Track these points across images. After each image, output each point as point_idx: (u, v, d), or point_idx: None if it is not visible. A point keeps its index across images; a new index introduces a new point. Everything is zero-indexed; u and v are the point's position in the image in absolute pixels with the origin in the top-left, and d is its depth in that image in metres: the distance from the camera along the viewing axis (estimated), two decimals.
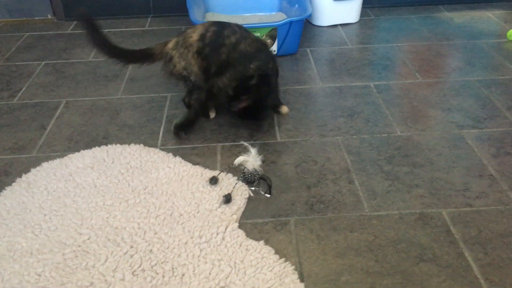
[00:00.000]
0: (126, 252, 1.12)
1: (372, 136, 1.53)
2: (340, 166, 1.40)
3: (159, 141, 1.54)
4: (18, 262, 1.09)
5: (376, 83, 1.83)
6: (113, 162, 1.42)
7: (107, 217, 1.22)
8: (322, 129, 1.57)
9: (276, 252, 1.12)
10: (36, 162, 1.43)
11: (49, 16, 2.46)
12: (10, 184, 1.34)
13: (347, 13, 2.32)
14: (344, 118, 1.63)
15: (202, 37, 1.53)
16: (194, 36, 1.54)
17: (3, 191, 1.32)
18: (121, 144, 1.51)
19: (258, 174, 1.34)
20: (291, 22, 1.96)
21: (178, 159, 1.43)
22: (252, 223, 1.21)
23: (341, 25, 2.33)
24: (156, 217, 1.22)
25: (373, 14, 2.45)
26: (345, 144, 1.50)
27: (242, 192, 1.29)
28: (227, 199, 1.26)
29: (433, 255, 1.11)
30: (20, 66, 2.01)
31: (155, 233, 1.17)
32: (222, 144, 1.52)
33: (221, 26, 1.55)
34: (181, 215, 1.22)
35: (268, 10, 2.42)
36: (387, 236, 1.16)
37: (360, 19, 2.37)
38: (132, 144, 1.50)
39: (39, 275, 1.06)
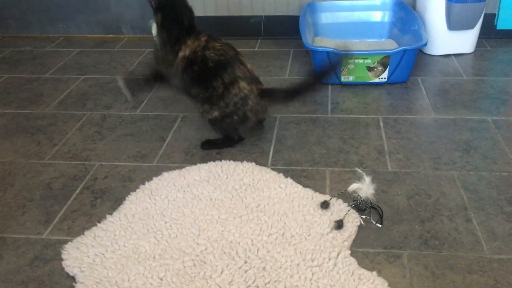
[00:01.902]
0: (241, 266, 1.16)
1: (491, 173, 1.46)
2: (456, 203, 1.35)
3: (269, 161, 1.58)
4: (142, 265, 1.18)
5: (495, 118, 1.75)
6: (227, 178, 1.48)
7: (222, 231, 1.27)
8: (436, 162, 1.53)
9: (390, 285, 1.10)
10: (157, 171, 1.54)
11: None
12: (134, 190, 1.45)
13: (462, 43, 2.24)
14: (459, 152, 1.57)
15: None
16: None
17: (129, 196, 1.42)
18: (233, 160, 1.58)
19: (370, 203, 1.33)
20: (404, 51, 1.94)
21: (289, 180, 1.46)
22: (363, 252, 1.21)
23: (454, 55, 2.26)
24: (268, 235, 1.25)
25: (489, 45, 2.35)
26: (461, 179, 1.44)
27: (353, 219, 1.29)
28: (339, 225, 1.26)
29: None
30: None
31: (268, 251, 1.20)
32: (331, 168, 1.53)
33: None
34: (292, 236, 1.25)
35: (377, 36, 2.42)
36: (510, 282, 1.10)
37: (475, 50, 2.29)
38: (245, 162, 1.56)
39: (161, 279, 1.13)
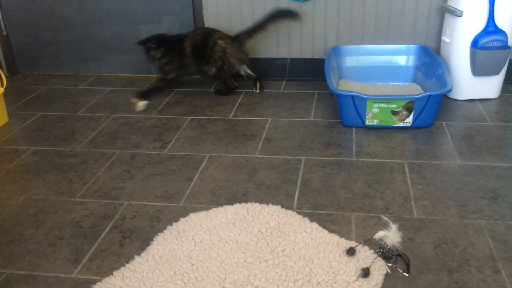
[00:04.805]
0: None
1: None
2: (484, 253, 1.34)
3: (295, 204, 1.59)
4: None
5: None
6: (253, 221, 1.50)
7: (248, 275, 1.28)
8: (462, 210, 1.52)
9: None
10: (184, 212, 1.56)
11: (195, 75, 2.72)
12: (162, 231, 1.47)
13: (486, 88, 2.25)
14: (486, 200, 1.56)
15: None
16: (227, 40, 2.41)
17: (156, 236, 1.45)
18: (259, 203, 1.60)
19: (396, 251, 1.33)
20: (429, 96, 1.96)
21: (314, 224, 1.47)
22: None
23: (479, 100, 2.27)
24: (294, 281, 1.25)
25: None
26: (488, 229, 1.43)
27: (379, 267, 1.29)
28: (365, 273, 1.26)
29: None
30: (170, 119, 2.24)
31: None
32: (356, 213, 1.53)
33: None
34: (318, 283, 1.25)
35: (401, 80, 2.45)
36: None
37: (500, 95, 2.29)
38: (270, 204, 1.58)
39: None
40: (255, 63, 2.62)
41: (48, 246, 1.44)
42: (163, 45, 2.42)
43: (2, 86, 2.24)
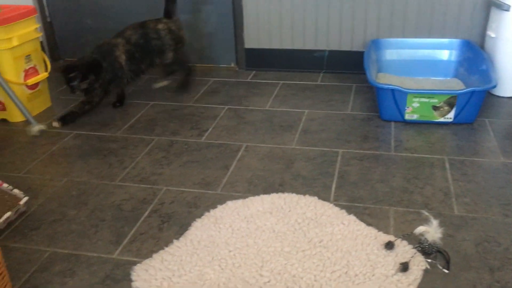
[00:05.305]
0: None
1: None
2: None
3: (332, 196, 1.59)
4: None
5: None
6: (290, 211, 1.50)
7: (285, 264, 1.29)
8: (505, 208, 1.48)
9: None
10: (221, 199, 1.58)
11: (232, 65, 2.73)
12: (199, 217, 1.49)
13: None
14: None
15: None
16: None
17: (194, 222, 1.47)
18: (296, 193, 1.60)
19: (437, 247, 1.31)
20: (473, 92, 1.91)
21: (352, 217, 1.46)
22: None
23: None
24: (331, 272, 1.25)
25: None
26: None
27: (419, 263, 1.27)
28: (404, 267, 1.25)
29: None
30: (207, 108, 2.26)
31: None
32: (395, 208, 1.51)
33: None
34: (356, 275, 1.24)
35: (442, 75, 2.39)
36: None
37: None
38: (307, 195, 1.58)
39: None
40: (291, 55, 2.61)
41: (90, 227, 1.48)
42: (91, 73, 2.11)
43: (47, 71, 2.30)
